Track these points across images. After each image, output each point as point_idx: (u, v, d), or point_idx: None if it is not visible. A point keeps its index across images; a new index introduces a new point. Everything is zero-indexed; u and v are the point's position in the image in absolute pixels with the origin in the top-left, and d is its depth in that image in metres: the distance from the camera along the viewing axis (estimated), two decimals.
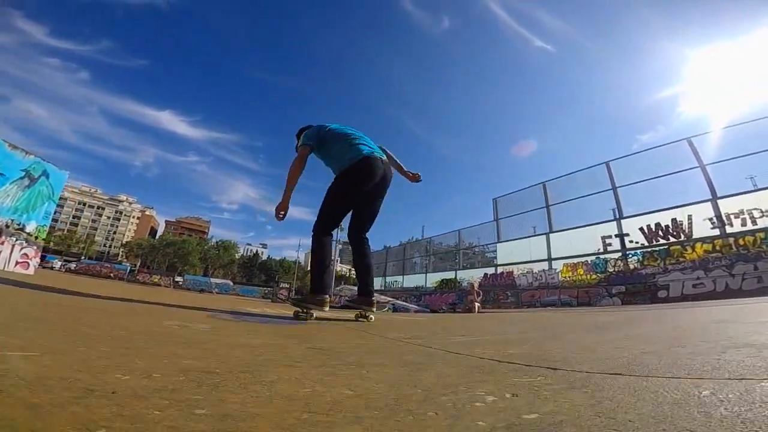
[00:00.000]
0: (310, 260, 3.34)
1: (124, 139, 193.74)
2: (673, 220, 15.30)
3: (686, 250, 14.79)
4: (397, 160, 3.41)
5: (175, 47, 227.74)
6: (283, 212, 2.94)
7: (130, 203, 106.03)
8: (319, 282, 2.84)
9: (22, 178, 16.90)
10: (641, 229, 16.04)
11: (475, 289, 11.06)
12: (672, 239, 15.28)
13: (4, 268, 15.68)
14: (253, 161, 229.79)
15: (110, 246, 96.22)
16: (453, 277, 25.08)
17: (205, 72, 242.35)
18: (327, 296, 2.83)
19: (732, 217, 14.03)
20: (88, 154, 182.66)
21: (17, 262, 15.95)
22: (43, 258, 55.75)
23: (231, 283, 55.25)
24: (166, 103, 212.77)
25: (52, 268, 50.81)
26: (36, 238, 18.15)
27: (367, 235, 3.15)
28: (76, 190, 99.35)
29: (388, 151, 3.28)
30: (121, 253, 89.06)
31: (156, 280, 51.74)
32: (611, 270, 16.64)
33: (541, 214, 19.94)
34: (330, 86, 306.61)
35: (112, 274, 50.59)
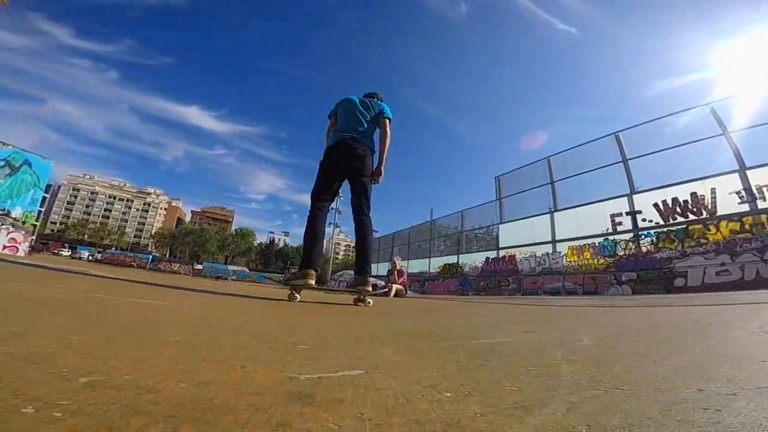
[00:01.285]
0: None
1: (155, 135, 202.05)
2: (693, 195, 13.20)
3: (709, 229, 12.73)
4: (385, 146, 3.59)
5: (197, 43, 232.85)
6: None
7: (158, 195, 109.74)
8: (303, 257, 3.08)
9: (2, 167, 16.99)
10: (656, 205, 14.01)
11: (397, 267, 9.52)
12: (692, 217, 13.24)
13: None
14: (278, 152, 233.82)
15: (141, 237, 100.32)
16: (455, 261, 23.67)
17: (227, 67, 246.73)
18: (311, 270, 2.98)
19: (765, 189, 11.87)
20: (122, 150, 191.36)
21: (4, 246, 16.03)
22: (73, 249, 59.03)
23: (247, 270, 56.17)
24: (193, 98, 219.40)
25: (80, 258, 53.27)
26: (23, 223, 18.26)
27: (373, 218, 3.38)
28: (107, 185, 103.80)
29: (386, 127, 3.60)
30: (150, 243, 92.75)
31: (176, 268, 53.43)
32: (621, 253, 14.76)
33: (546, 193, 18.09)
34: (348, 74, 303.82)
35: (134, 263, 52.60)
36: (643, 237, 14.27)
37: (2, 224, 16.23)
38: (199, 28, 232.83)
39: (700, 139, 13.36)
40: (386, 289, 7.66)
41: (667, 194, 13.73)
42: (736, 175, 12.28)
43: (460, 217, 24.04)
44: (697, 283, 12.17)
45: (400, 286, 8.29)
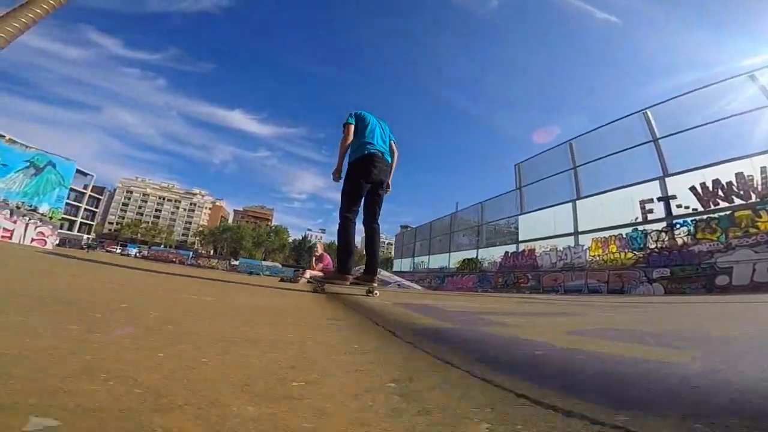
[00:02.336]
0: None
1: (203, 139, 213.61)
2: (739, 175, 11.15)
3: (760, 216, 10.66)
4: (394, 163, 3.97)
5: (235, 49, 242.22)
6: (337, 174, 3.66)
7: (203, 196, 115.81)
8: (341, 265, 3.55)
9: (27, 167, 18.36)
10: (693, 188, 12.03)
11: (318, 252, 8.39)
12: (738, 201, 11.21)
13: (20, 242, 16.90)
14: (317, 152, 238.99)
15: (188, 235, 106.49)
16: (474, 256, 22.33)
17: (266, 70, 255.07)
18: (349, 275, 3.50)
19: None
20: (174, 154, 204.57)
21: (33, 239, 17.43)
22: (123, 246, 63.80)
23: (280, 266, 57.82)
24: (236, 102, 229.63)
25: (128, 255, 57.36)
26: (50, 218, 19.81)
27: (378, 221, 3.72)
28: (157, 186, 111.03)
29: (394, 147, 3.98)
30: (196, 241, 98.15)
31: (214, 263, 56.06)
32: (652, 246, 12.90)
33: (569, 180, 16.34)
34: (380, 73, 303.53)
35: (175, 259, 55.81)
36: (678, 226, 12.36)
37: (30, 219, 17.75)
38: (236, 34, 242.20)
39: (744, 112, 11.29)
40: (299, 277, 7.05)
41: (707, 176, 11.74)
42: None
43: (480, 209, 22.63)
44: (744, 282, 10.24)
45: (317, 273, 7.45)
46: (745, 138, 11.50)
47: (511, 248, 18.97)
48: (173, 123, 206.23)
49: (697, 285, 11.30)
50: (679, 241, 12.22)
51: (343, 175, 3.66)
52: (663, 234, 12.68)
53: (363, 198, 3.62)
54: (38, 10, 8.01)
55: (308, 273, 7.41)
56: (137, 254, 58.44)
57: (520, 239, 18.48)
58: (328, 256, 8.13)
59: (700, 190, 11.91)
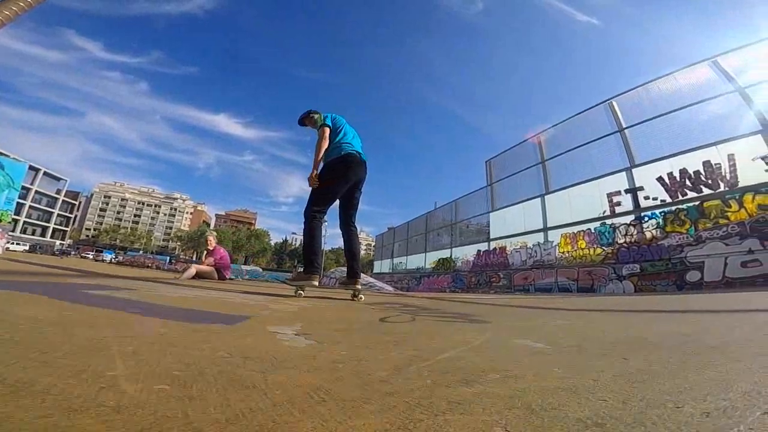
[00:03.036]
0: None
1: (187, 144, 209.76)
2: (706, 164, 10.62)
3: (729, 205, 10.13)
4: None
5: (219, 52, 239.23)
6: (315, 180, 3.39)
7: (184, 200, 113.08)
8: (308, 263, 3.28)
9: None
10: (660, 179, 11.48)
11: (210, 245, 7.34)
12: (707, 191, 10.67)
13: None
14: (303, 155, 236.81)
15: (168, 240, 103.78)
16: (449, 255, 21.60)
17: (250, 74, 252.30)
18: (315, 274, 3.27)
19: None
20: (158, 159, 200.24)
21: None
22: (98, 252, 61.56)
23: (260, 270, 56.16)
24: (220, 106, 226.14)
25: (102, 260, 55.21)
26: (0, 221, 18.71)
27: (355, 222, 3.63)
28: (136, 191, 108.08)
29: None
30: (177, 246, 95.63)
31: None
32: (621, 240, 12.31)
33: (538, 174, 15.74)
34: (364, 77, 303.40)
35: (151, 264, 53.84)
36: (646, 219, 11.79)
37: None
38: (219, 37, 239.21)
39: (708, 99, 10.81)
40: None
41: (674, 165, 11.20)
42: (759, 136, 9.71)
43: (453, 208, 21.93)
44: (716, 277, 9.64)
45: (205, 268, 6.54)
46: (712, 126, 11.01)
47: (483, 246, 18.29)
48: (156, 127, 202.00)
49: (668, 281, 10.70)
50: (648, 235, 11.64)
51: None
52: (631, 227, 12.10)
53: (337, 199, 3.48)
54: (14, 8, 7.07)
55: (194, 268, 6.45)
56: (112, 260, 56.31)
57: (491, 237, 17.81)
58: (223, 250, 7.16)
59: (667, 180, 11.36)
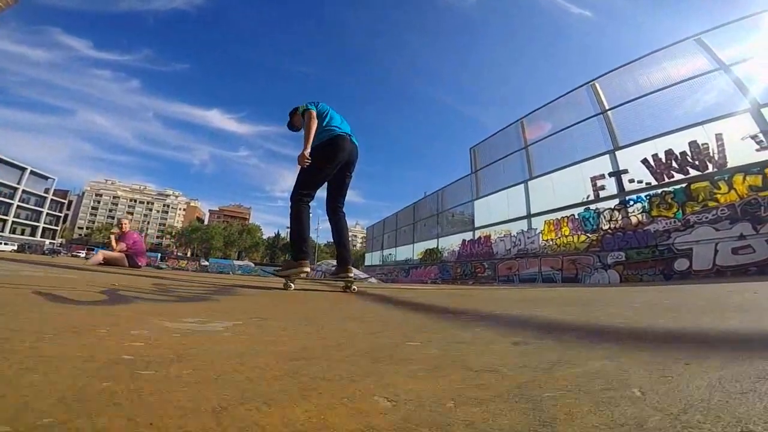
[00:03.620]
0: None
1: (181, 140, 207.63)
2: (693, 144, 10.01)
3: (718, 187, 9.53)
4: None
5: (211, 48, 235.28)
6: (306, 158, 3.25)
7: (176, 197, 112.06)
8: (296, 250, 3.13)
9: None
10: (645, 161, 10.87)
11: (124, 229, 6.75)
12: (694, 172, 10.08)
13: None
14: (298, 149, 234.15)
15: (163, 237, 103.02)
16: (435, 246, 21.07)
17: (243, 68, 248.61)
18: (305, 260, 3.07)
19: None
20: (151, 156, 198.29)
21: None
22: (89, 250, 61.23)
23: (252, 265, 55.72)
24: (213, 102, 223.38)
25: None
26: None
27: (345, 210, 3.52)
28: (128, 189, 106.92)
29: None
30: (171, 243, 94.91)
31: (183, 264, 53.63)
32: (606, 227, 11.76)
33: (521, 160, 15.11)
34: (358, 70, 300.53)
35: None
36: (631, 203, 11.21)
37: None
38: (210, 33, 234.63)
39: (693, 77, 10.20)
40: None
41: (658, 146, 10.58)
42: (748, 114, 9.10)
43: (439, 197, 21.33)
44: (706, 266, 9.03)
45: (114, 254, 5.98)
46: (698, 105, 10.41)
47: (468, 236, 17.74)
48: (149, 125, 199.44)
49: (655, 270, 10.16)
50: (634, 220, 11.07)
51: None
52: (616, 212, 11.53)
53: (325, 183, 3.39)
54: None
55: (101, 254, 5.89)
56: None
57: (476, 225, 17.24)
58: (137, 235, 6.56)
59: (652, 162, 10.76)
